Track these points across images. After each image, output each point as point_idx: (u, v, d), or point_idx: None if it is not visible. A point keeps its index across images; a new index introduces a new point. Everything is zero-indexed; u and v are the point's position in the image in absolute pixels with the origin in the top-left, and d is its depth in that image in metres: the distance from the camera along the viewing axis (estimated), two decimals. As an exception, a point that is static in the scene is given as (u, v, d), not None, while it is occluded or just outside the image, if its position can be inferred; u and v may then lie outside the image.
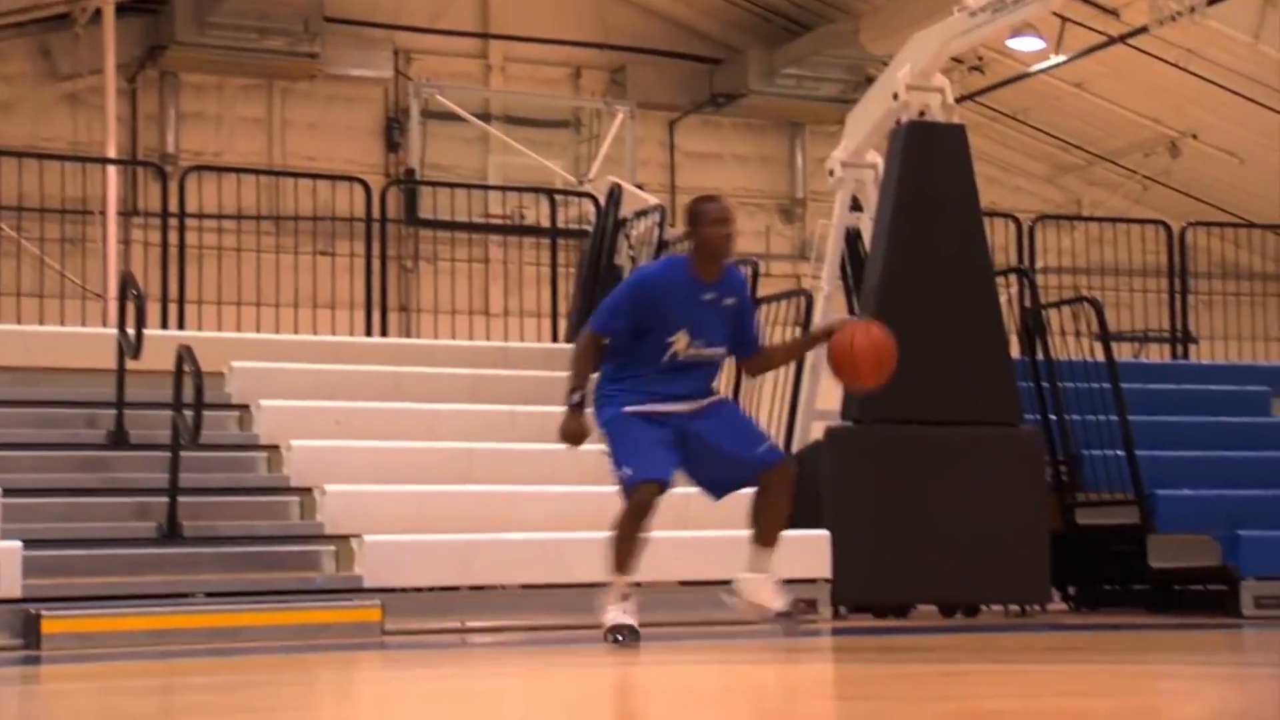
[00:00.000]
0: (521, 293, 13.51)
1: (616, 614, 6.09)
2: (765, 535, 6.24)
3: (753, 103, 14.64)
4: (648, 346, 6.05)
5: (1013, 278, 10.14)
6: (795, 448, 8.72)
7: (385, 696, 4.84)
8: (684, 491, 8.31)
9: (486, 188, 13.26)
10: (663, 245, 9.66)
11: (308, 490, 7.77)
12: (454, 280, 12.60)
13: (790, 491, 6.23)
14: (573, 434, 6.14)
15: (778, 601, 6.26)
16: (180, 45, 12.96)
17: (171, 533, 7.41)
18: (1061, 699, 4.29)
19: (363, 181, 10.56)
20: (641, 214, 10.01)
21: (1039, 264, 10.87)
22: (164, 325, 9.41)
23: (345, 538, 7.49)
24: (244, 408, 8.38)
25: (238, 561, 7.41)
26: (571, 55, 14.58)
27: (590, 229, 10.59)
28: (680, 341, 6.04)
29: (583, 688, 4.92)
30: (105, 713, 4.32)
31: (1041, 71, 14.13)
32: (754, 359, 6.41)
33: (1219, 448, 9.39)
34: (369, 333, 10.14)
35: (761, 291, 9.27)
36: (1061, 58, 13.77)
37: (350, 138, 13.84)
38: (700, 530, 8.05)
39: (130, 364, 8.00)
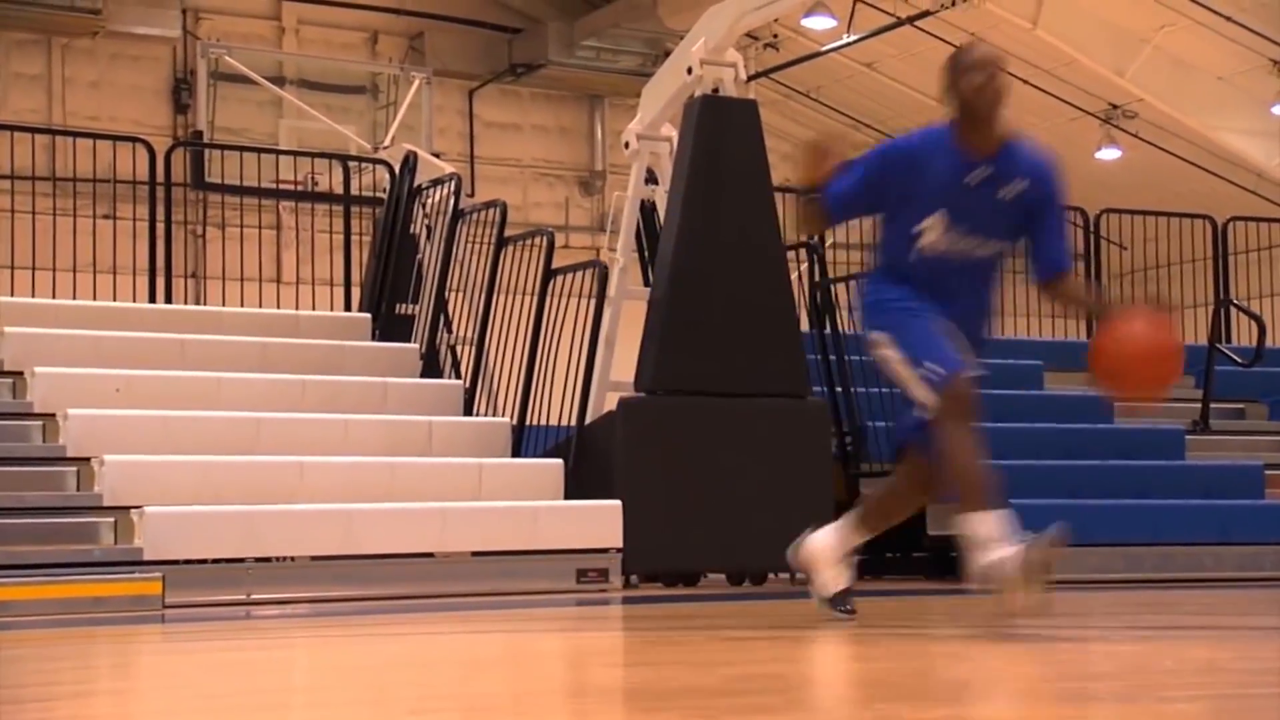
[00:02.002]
0: (314, 261, 13.30)
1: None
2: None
3: (552, 73, 14.63)
4: (894, 237, 4.72)
5: (803, 253, 10.33)
6: (589, 419, 8.77)
7: (164, 669, 4.74)
8: (478, 461, 8.34)
9: (277, 152, 13.00)
10: (459, 215, 9.60)
11: (85, 460, 7.54)
12: (245, 247, 12.33)
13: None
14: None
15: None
16: (-48, -4, 12.42)
17: (-61, 504, 7.13)
18: (842, 664, 4.40)
19: (146, 143, 10.25)
20: (437, 182, 9.92)
21: (829, 240, 11.09)
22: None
23: (125, 509, 7.29)
24: (18, 374, 8.09)
25: (11, 533, 7.16)
26: (368, 20, 14.37)
27: (385, 197, 10.46)
28: (933, 230, 4.64)
29: (366, 658, 4.89)
30: None
31: (834, 50, 14.41)
32: (1057, 282, 4.80)
33: (996, 420, 9.71)
34: (153, 300, 9.87)
35: (558, 262, 9.28)
36: (853, 37, 14.06)
37: (136, 98, 13.44)
38: (494, 501, 8.06)
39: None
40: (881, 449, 9.17)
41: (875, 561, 9.56)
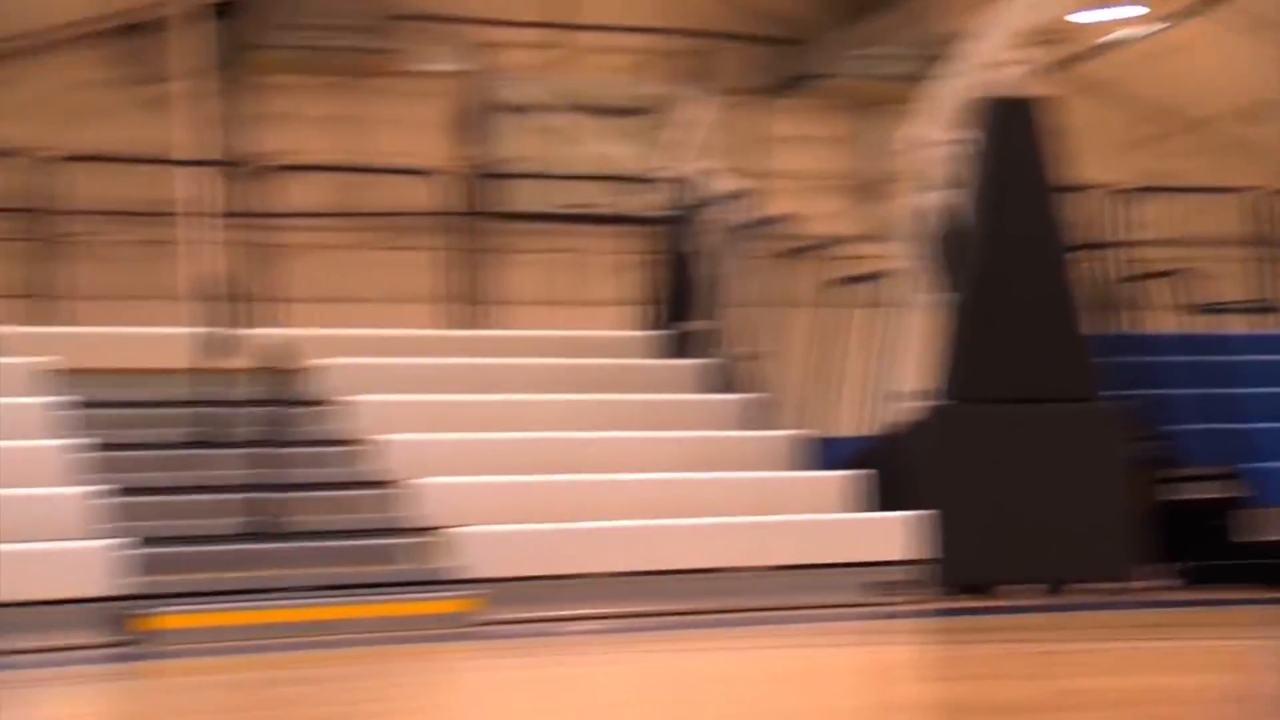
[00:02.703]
0: (599, 282, 13.58)
1: None
2: None
3: (827, 84, 14.62)
4: None
5: (1102, 251, 10.06)
6: (879, 429, 8.74)
7: (485, 685, 4.93)
8: (772, 475, 8.40)
9: (562, 178, 13.33)
10: (742, 230, 9.68)
11: (401, 483, 7.89)
12: (531, 271, 12.69)
13: None
14: None
15: None
16: (262, 47, 13.14)
17: (274, 529, 7.55)
18: (1152, 677, 4.30)
19: (448, 175, 10.61)
20: (719, 198, 10.03)
21: (1127, 236, 10.77)
22: (254, 324, 9.55)
23: (441, 529, 7.60)
24: (337, 402, 8.52)
25: (335, 556, 7.54)
26: (646, 42, 14.61)
27: (666, 216, 10.64)
28: None
29: (674, 673, 4.97)
30: (205, 706, 4.42)
31: (1123, 41, 13.99)
32: None
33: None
34: (454, 326, 10.26)
35: (841, 273, 9.28)
36: (1150, 28, 13.62)
37: (428, 132, 13.96)
38: (787, 515, 8.10)
39: (224, 363, 8.15)
40: (1196, 451, 8.87)
41: (1188, 570, 9.25)
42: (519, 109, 13.47)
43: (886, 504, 8.24)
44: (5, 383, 7.95)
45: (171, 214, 12.62)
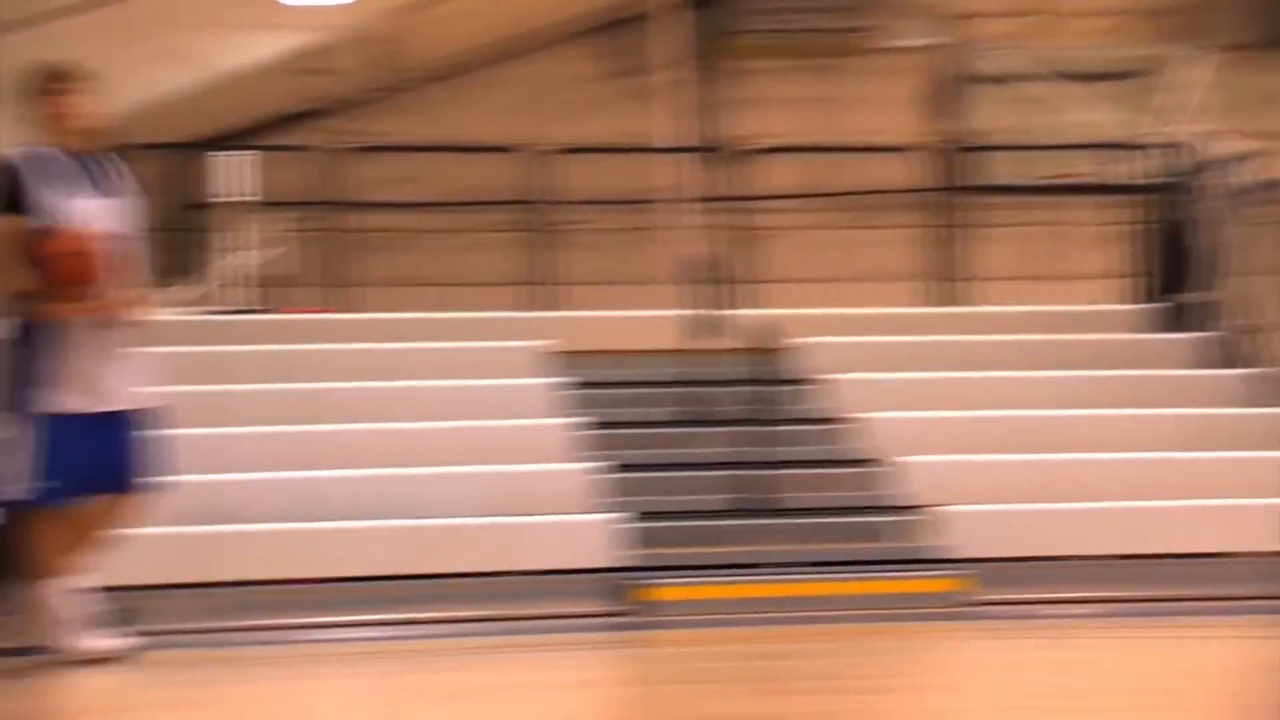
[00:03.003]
0: (1079, 256, 13.11)
1: None
2: None
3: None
4: None
5: None
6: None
7: (981, 665, 4.85)
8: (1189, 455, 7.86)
9: (1042, 148, 12.93)
10: (1247, 194, 9.11)
11: (884, 461, 7.88)
12: (1007, 246, 12.39)
13: None
14: None
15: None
16: (737, 34, 13.42)
17: (761, 506, 7.70)
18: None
19: (924, 150, 10.49)
20: (1220, 162, 9.47)
21: None
22: (739, 305, 9.76)
23: (927, 508, 7.54)
24: (821, 381, 8.59)
25: (826, 532, 7.60)
26: (1127, 3, 13.99)
27: (1158, 183, 10.14)
28: None
29: (1170, 661, 4.73)
30: (700, 675, 4.54)
31: None
32: None
33: None
34: (931, 304, 10.15)
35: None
36: None
37: (898, 109, 13.86)
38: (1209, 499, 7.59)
39: (711, 343, 8.37)
40: None
41: None
42: (996, 80, 13.16)
43: None
44: (512, 365, 8.45)
45: (655, 200, 13.09)
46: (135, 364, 5.57)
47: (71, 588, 5.39)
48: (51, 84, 5.55)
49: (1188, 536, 7.44)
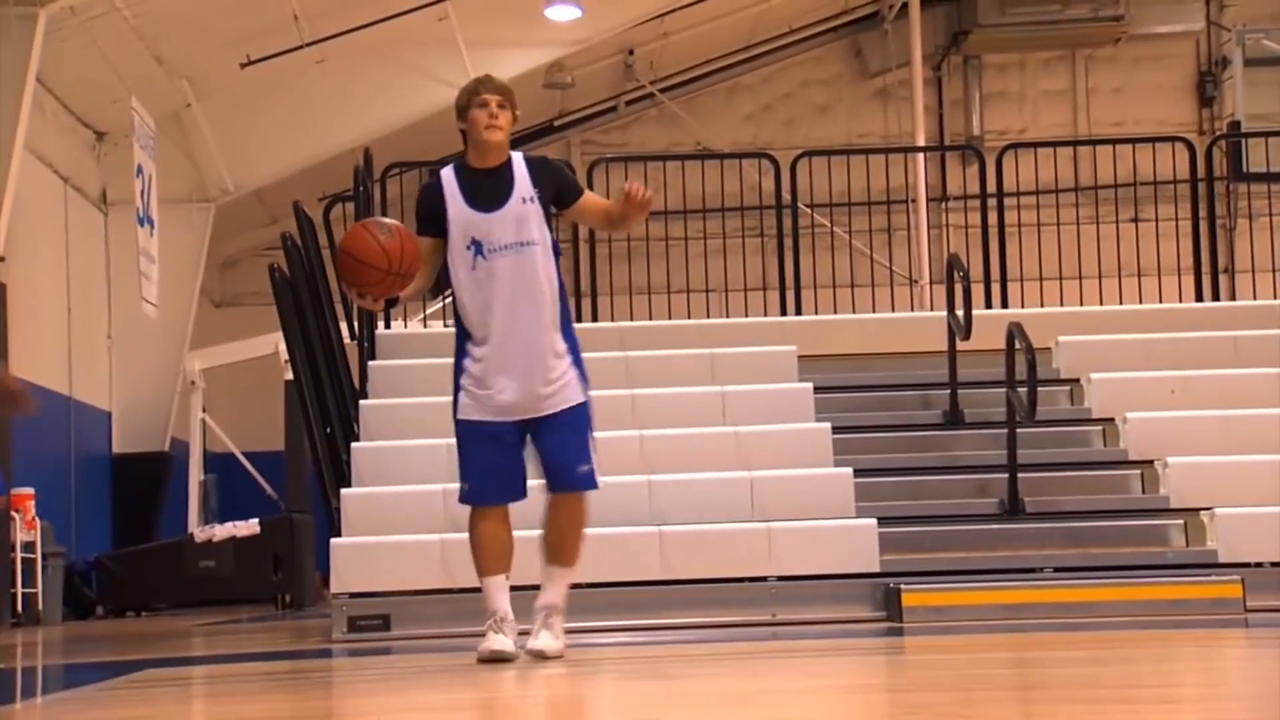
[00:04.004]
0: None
1: None
2: None
3: None
4: None
5: None
6: None
7: (1250, 675, 4.61)
8: None
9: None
10: None
11: (1148, 463, 7.59)
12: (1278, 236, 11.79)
13: None
14: None
15: None
16: (981, 28, 13.15)
17: (1013, 508, 7.50)
18: None
19: (1186, 140, 10.06)
20: None
21: None
22: (988, 305, 9.55)
23: (1193, 510, 7.24)
24: (1074, 381, 8.32)
25: (1082, 536, 7.37)
26: None
27: None
28: None
29: None
30: (966, 682, 4.43)
31: None
32: None
33: None
34: (1198, 298, 9.71)
35: None
36: None
37: (1158, 97, 13.39)
38: None
39: (960, 344, 8.18)
40: None
41: None
42: (1265, 63, 12.55)
43: None
44: (777, 369, 8.34)
45: (903, 201, 12.87)
46: None
47: None
48: (479, 97, 5.29)
49: None
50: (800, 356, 8.42)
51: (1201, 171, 9.95)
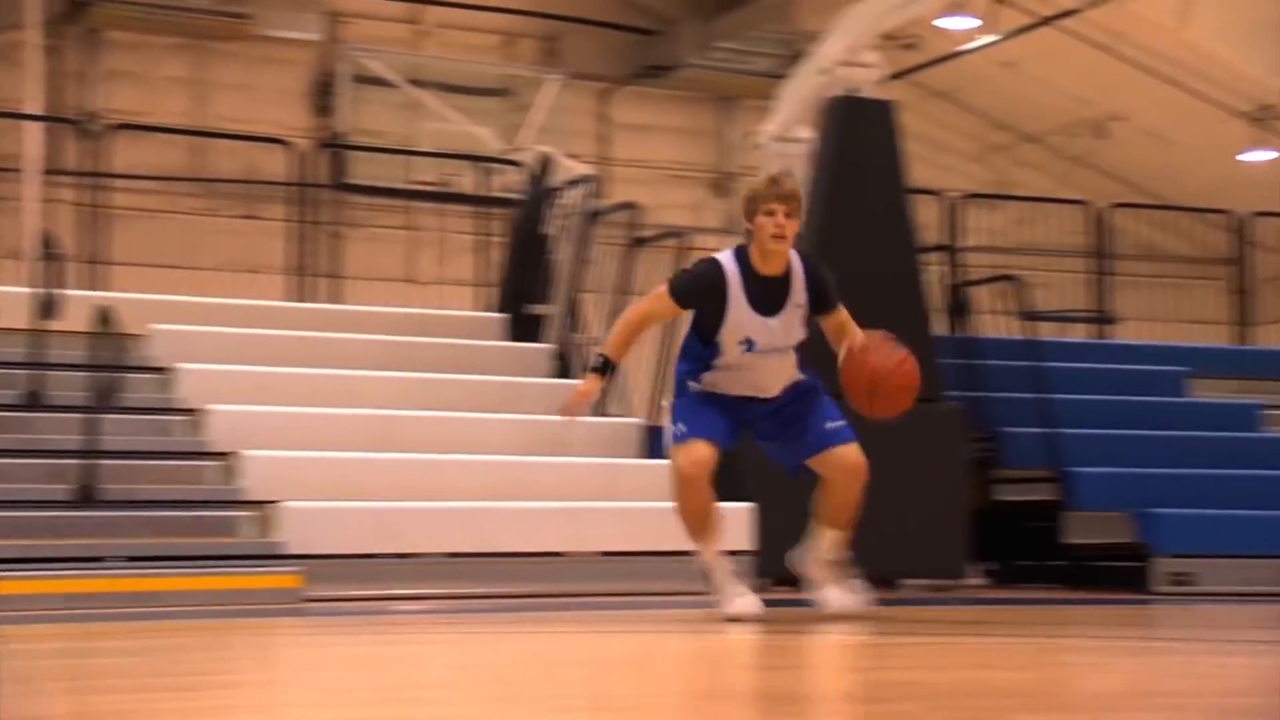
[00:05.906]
0: (451, 261, 13.45)
1: None
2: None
3: (686, 75, 14.64)
4: None
5: (939, 255, 10.22)
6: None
7: (302, 662, 4.82)
8: (610, 461, 8.37)
9: (416, 154, 13.17)
10: (592, 216, 9.63)
11: (228, 455, 7.71)
12: (380, 247, 12.52)
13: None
14: None
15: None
16: (104, 2, 12.76)
17: (88, 495, 7.32)
18: (969, 671, 4.34)
19: (289, 144, 10.42)
20: (571, 183, 9.98)
21: (965, 242, 10.95)
22: (85, 286, 9.28)
23: (266, 503, 7.43)
24: (165, 370, 8.30)
25: (156, 525, 7.33)
26: (504, 23, 14.50)
27: (519, 198, 10.55)
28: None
29: (499, 655, 4.92)
30: (17, 674, 4.27)
31: (973, 51, 14.22)
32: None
33: (1136, 427, 9.54)
34: (298, 299, 10.06)
35: (689, 263, 9.27)
36: (993, 37, 13.87)
37: (279, 100, 13.69)
38: (625, 501, 8.08)
39: (49, 324, 7.88)
40: (1018, 454, 9.07)
41: (1008, 569, 9.44)
42: (377, 82, 13.27)
43: (721, 496, 8.23)
44: None
45: (9, 169, 12.22)
46: None
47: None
48: (766, 205, 5.59)
49: (521, 537, 7.75)
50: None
51: (307, 177, 10.32)
